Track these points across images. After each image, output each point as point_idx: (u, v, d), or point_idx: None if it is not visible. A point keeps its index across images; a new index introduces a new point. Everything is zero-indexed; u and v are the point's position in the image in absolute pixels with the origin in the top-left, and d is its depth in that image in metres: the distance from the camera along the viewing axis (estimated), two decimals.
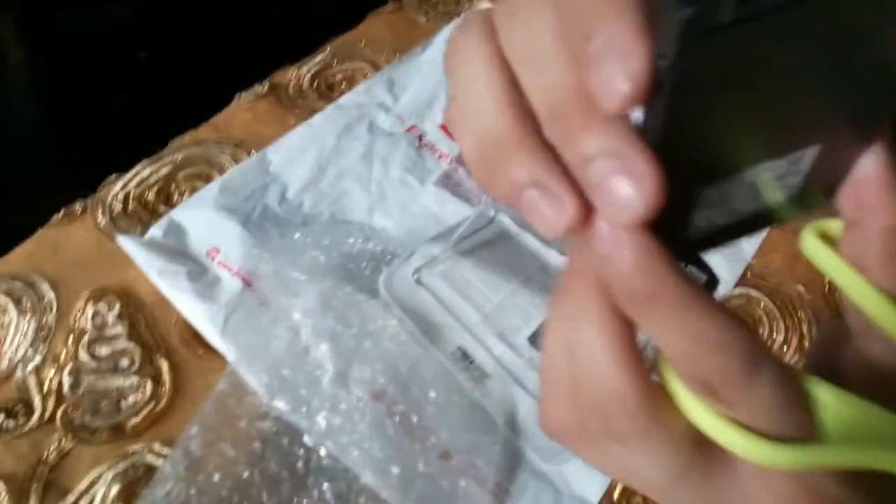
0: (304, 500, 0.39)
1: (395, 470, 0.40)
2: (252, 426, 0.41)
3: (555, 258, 0.51)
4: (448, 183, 0.56)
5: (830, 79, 0.17)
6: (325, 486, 0.39)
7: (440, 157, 0.57)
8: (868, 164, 0.19)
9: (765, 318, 0.50)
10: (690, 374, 0.18)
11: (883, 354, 0.20)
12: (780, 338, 0.50)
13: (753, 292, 0.51)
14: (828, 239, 0.20)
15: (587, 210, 0.17)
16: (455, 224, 0.52)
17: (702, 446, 0.19)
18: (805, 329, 0.50)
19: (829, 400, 0.18)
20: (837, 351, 0.21)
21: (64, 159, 0.96)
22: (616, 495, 0.43)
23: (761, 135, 0.17)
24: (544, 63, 0.17)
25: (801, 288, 0.52)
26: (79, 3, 1.11)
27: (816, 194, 0.20)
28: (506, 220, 0.53)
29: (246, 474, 0.39)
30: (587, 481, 0.43)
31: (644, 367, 0.18)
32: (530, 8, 0.18)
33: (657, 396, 0.19)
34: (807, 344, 0.49)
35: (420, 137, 0.58)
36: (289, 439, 0.40)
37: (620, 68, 0.15)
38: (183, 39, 1.13)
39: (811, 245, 0.20)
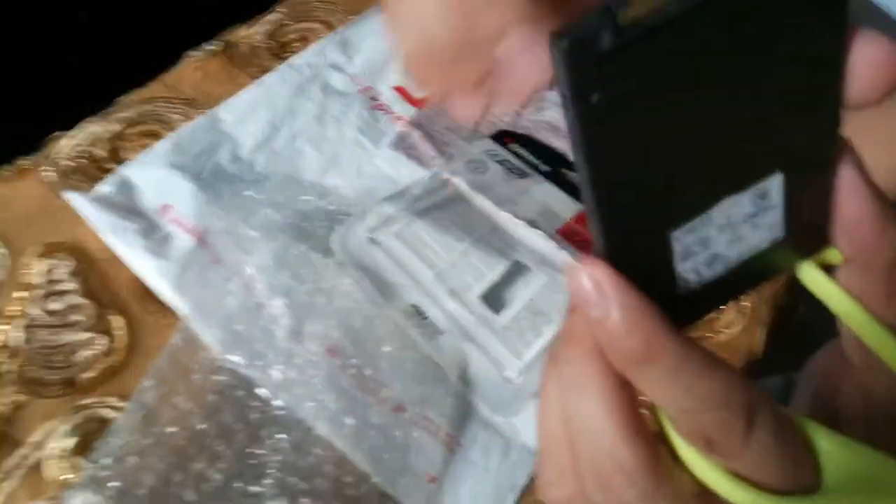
0: (259, 451, 0.39)
1: (348, 421, 0.41)
2: (206, 379, 0.41)
3: (508, 221, 0.52)
4: (402, 145, 0.56)
5: (751, 102, 0.16)
6: (280, 436, 0.40)
7: (395, 118, 0.58)
8: (857, 203, 0.18)
9: None
10: (690, 431, 0.18)
11: (885, 388, 0.20)
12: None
13: None
14: (825, 268, 0.20)
15: None
16: (409, 185, 0.53)
17: (707, 501, 0.19)
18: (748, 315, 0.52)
19: (829, 448, 0.18)
20: (838, 383, 0.22)
21: (4, 120, 0.93)
22: None
23: (706, 167, 0.17)
24: None
25: None
26: None
27: (809, 236, 0.20)
28: (460, 183, 0.53)
29: (201, 426, 0.40)
30: (535, 432, 0.44)
31: (647, 431, 0.19)
32: None
33: (658, 459, 0.19)
34: (745, 304, 0.52)
35: (374, 98, 0.58)
36: (244, 392, 0.41)
37: None
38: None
39: (810, 275, 0.20)
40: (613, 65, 0.14)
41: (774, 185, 0.18)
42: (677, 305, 0.19)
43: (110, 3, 1.11)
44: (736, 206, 0.18)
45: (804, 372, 0.24)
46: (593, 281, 0.17)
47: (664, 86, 0.15)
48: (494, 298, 0.48)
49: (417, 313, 0.47)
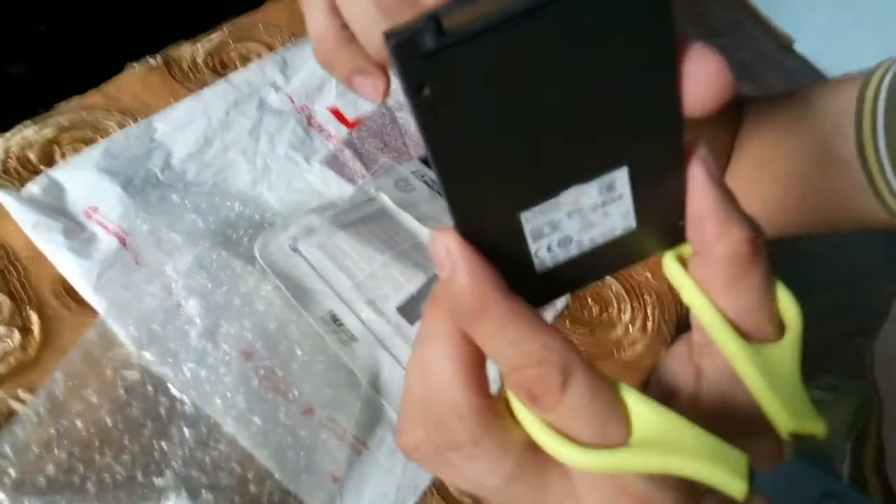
0: (164, 444, 0.40)
1: (256, 420, 0.42)
2: (117, 375, 0.42)
3: (428, 235, 0.54)
4: (334, 163, 0.58)
5: (585, 101, 0.18)
6: (186, 431, 0.41)
7: (328, 137, 0.60)
8: (702, 201, 0.20)
9: (614, 300, 0.55)
10: (517, 384, 0.20)
11: (716, 370, 0.22)
12: (627, 317, 0.55)
13: (607, 277, 0.56)
14: (683, 261, 0.22)
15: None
16: (335, 199, 0.55)
17: (534, 451, 0.21)
18: (649, 310, 0.55)
19: (637, 408, 0.20)
20: (680, 366, 0.23)
21: None
22: None
23: (546, 156, 0.19)
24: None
25: (648, 274, 0.57)
26: None
27: (666, 230, 0.21)
28: (385, 199, 0.56)
29: (108, 420, 0.41)
30: None
31: (484, 383, 0.21)
32: None
33: (491, 408, 0.21)
34: (650, 324, 0.54)
35: (309, 118, 0.60)
36: (153, 388, 0.42)
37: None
38: (82, 14, 1.11)
39: (670, 266, 0.22)
40: (438, 63, 0.16)
41: (619, 178, 0.20)
42: (537, 283, 0.21)
43: (68, 18, 1.13)
44: (583, 195, 0.20)
45: (662, 360, 0.26)
46: (444, 247, 0.19)
47: (493, 82, 0.17)
48: (411, 309, 0.50)
49: (333, 320, 0.48)
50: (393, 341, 0.49)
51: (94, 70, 0.60)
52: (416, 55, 0.16)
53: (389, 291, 0.50)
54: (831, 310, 1.27)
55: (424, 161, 0.60)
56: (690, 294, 0.21)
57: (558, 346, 0.19)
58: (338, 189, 0.57)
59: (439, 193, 0.57)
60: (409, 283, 0.51)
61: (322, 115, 0.61)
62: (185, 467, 0.40)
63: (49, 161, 0.53)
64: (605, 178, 0.20)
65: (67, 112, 0.56)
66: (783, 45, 1.94)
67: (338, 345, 0.47)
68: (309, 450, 0.43)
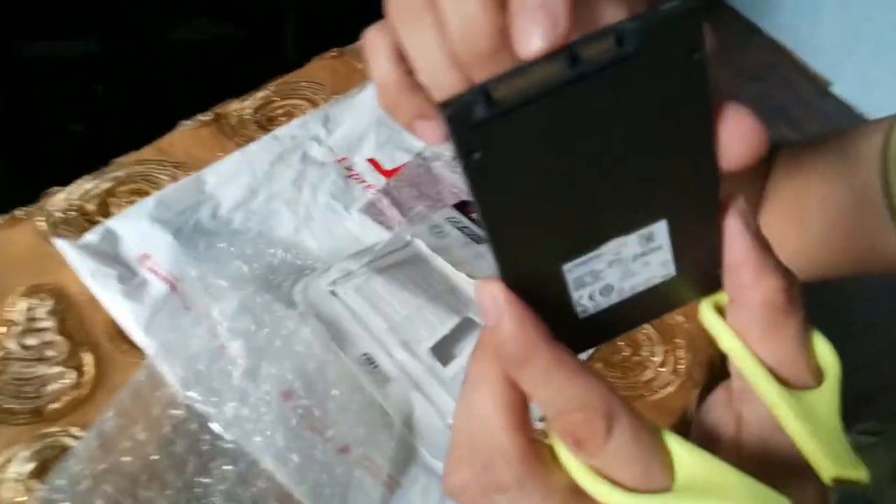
0: (206, 480, 0.42)
1: (294, 457, 0.44)
2: (164, 413, 0.44)
3: (463, 281, 0.56)
4: (372, 211, 0.61)
5: (625, 160, 0.19)
6: (227, 468, 0.43)
7: (367, 187, 0.62)
8: (738, 249, 0.21)
9: (646, 342, 0.56)
10: (561, 429, 0.20)
11: (758, 417, 0.22)
12: (658, 359, 0.55)
13: None
14: (720, 310, 0.23)
15: None
16: (372, 245, 0.57)
17: (576, 494, 0.21)
18: (680, 353, 0.55)
19: (681, 454, 0.20)
20: (721, 413, 0.24)
21: (13, 176, 0.99)
22: None
23: (589, 213, 0.20)
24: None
25: (680, 318, 0.57)
26: (45, 34, 1.16)
27: (704, 278, 0.22)
28: (420, 245, 0.58)
29: (154, 456, 0.43)
30: None
31: (528, 427, 0.22)
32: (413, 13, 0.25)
33: (536, 451, 0.21)
34: (681, 367, 0.55)
35: (349, 168, 0.63)
36: (197, 425, 0.44)
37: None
38: (139, 75, 1.18)
39: (706, 314, 0.23)
40: (488, 130, 0.18)
41: (659, 230, 0.21)
42: (579, 330, 0.22)
43: (125, 81, 1.21)
44: (624, 246, 0.21)
45: (702, 407, 0.27)
46: (490, 296, 0.20)
47: (538, 146, 0.18)
48: (444, 351, 0.51)
49: (369, 361, 0.50)
50: (426, 382, 0.50)
51: (150, 128, 0.65)
52: (468, 124, 0.17)
53: (423, 333, 0.52)
54: (882, 352, 1.24)
55: (458, 207, 0.62)
56: (729, 341, 0.22)
57: (602, 392, 0.20)
58: (376, 235, 0.59)
59: (473, 240, 0.59)
60: (442, 325, 0.52)
61: (361, 166, 0.64)
62: (225, 502, 0.42)
63: (106, 212, 0.56)
64: (646, 231, 0.21)
65: (123, 166, 0.59)
66: (821, 88, 1.93)
67: (372, 385, 0.49)
68: (344, 487, 0.44)
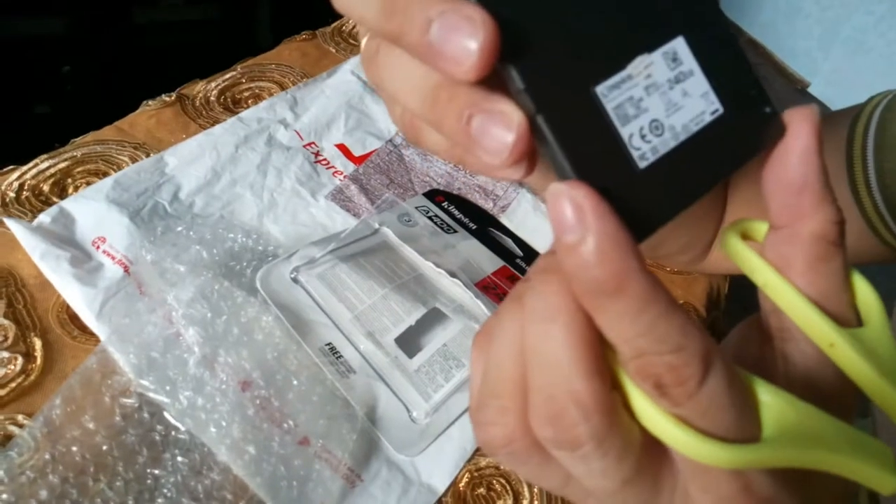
0: (158, 471, 0.40)
1: (250, 449, 0.42)
2: (115, 401, 0.42)
3: (428, 269, 0.54)
4: (339, 197, 0.59)
5: None
6: (180, 458, 0.41)
7: (335, 173, 0.61)
8: (806, 168, 0.19)
9: None
10: (644, 373, 0.17)
11: (802, 356, 0.20)
12: None
13: None
14: (749, 239, 0.21)
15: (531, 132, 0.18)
16: (338, 232, 0.56)
17: (649, 451, 0.19)
18: None
19: (770, 401, 0.18)
20: (758, 352, 0.22)
21: None
22: (462, 484, 0.46)
23: (605, 33, 0.19)
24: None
25: (679, 292, 0.57)
26: (11, 9, 1.12)
27: (755, 120, 0.20)
28: (388, 233, 0.56)
29: (104, 446, 0.41)
30: (436, 472, 0.46)
31: (606, 373, 0.18)
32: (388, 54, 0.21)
33: (615, 403, 0.18)
34: None
35: (317, 154, 0.62)
36: (149, 415, 0.42)
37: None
38: (109, 56, 1.15)
39: (733, 245, 0.21)
40: None
41: (680, 47, 0.20)
42: (646, 191, 0.19)
43: (91, 60, 1.17)
44: (652, 66, 0.20)
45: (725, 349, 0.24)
46: (574, 203, 0.16)
47: None
48: (410, 342, 0.50)
49: (332, 352, 0.48)
50: (390, 373, 0.49)
51: (114, 108, 0.63)
52: None
53: (388, 324, 0.51)
54: None
55: (428, 196, 0.61)
56: (766, 275, 0.20)
57: (697, 332, 0.17)
58: (342, 223, 0.58)
59: (442, 230, 0.58)
60: (408, 315, 0.51)
61: (329, 152, 0.62)
62: (177, 494, 0.40)
63: (62, 193, 0.54)
64: (667, 48, 0.20)
65: (82, 146, 0.57)
66: (798, 88, 1.95)
67: (335, 376, 0.47)
68: (303, 480, 0.43)
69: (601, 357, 0.18)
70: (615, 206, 0.17)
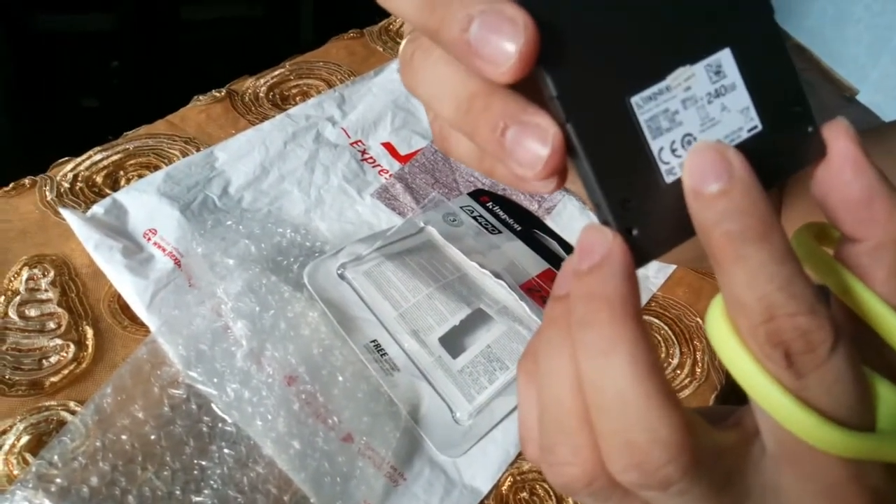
0: (205, 462, 0.41)
1: (295, 444, 0.42)
2: (164, 392, 0.43)
3: (473, 269, 0.54)
4: (385, 196, 0.59)
5: None
6: (226, 450, 0.41)
7: (381, 171, 0.61)
8: (866, 179, 0.19)
9: (662, 343, 0.54)
10: (775, 339, 0.16)
11: (883, 364, 0.19)
12: (676, 361, 0.53)
13: (655, 320, 0.55)
14: (824, 242, 0.20)
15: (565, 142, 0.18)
16: (384, 230, 0.56)
17: (734, 450, 0.18)
18: (699, 356, 0.54)
19: (886, 395, 0.18)
20: None
21: (24, 147, 0.98)
22: (505, 488, 0.45)
23: (646, 38, 0.19)
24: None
25: (699, 320, 0.56)
26: (62, 7, 1.15)
27: (795, 138, 0.20)
28: (433, 232, 0.56)
29: (152, 436, 0.41)
30: (479, 473, 0.45)
31: (679, 400, 0.17)
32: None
33: (692, 425, 0.17)
34: (699, 369, 0.53)
35: (363, 152, 0.62)
36: (197, 406, 0.43)
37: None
38: (156, 52, 1.17)
39: (808, 247, 0.20)
40: None
41: (725, 60, 0.19)
42: (668, 209, 0.19)
43: (140, 55, 1.20)
44: (692, 79, 0.19)
45: None
46: (718, 153, 0.17)
47: None
48: (453, 342, 0.50)
49: (377, 349, 0.48)
50: (434, 373, 0.48)
51: (164, 103, 0.63)
52: None
53: (433, 322, 0.50)
54: None
55: (473, 196, 0.61)
56: (848, 282, 0.19)
57: (825, 301, 0.16)
58: (388, 221, 0.58)
59: (487, 230, 0.58)
60: (452, 315, 0.51)
61: (376, 150, 0.62)
62: (223, 486, 0.40)
63: (115, 185, 0.55)
64: (711, 60, 0.19)
65: (134, 139, 0.58)
66: (846, 95, 1.90)
67: (379, 373, 0.47)
68: (346, 476, 0.43)
69: (669, 386, 0.17)
70: (638, 219, 0.18)
